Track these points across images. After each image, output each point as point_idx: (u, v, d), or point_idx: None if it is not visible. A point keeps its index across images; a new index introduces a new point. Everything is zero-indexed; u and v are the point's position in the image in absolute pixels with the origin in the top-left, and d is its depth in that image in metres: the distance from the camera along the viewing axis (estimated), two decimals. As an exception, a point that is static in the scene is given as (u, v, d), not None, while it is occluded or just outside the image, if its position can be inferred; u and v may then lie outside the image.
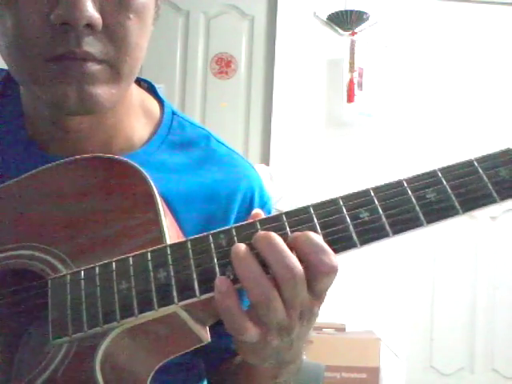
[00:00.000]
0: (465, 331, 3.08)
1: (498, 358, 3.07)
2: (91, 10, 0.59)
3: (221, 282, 0.50)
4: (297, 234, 0.52)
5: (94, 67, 0.61)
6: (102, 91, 0.62)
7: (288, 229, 0.52)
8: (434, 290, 3.11)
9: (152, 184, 0.59)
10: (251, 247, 0.51)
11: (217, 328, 0.58)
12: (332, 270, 0.50)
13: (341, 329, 2.76)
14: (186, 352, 0.57)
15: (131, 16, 0.62)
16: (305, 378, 1.38)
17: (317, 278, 0.51)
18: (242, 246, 0.51)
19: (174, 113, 0.79)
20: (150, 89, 0.81)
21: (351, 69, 2.94)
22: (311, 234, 0.51)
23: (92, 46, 0.61)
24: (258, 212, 0.56)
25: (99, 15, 0.60)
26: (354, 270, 2.90)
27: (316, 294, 0.53)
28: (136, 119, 0.75)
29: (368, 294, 2.93)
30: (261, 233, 0.52)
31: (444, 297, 3.10)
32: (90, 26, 0.59)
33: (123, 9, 0.62)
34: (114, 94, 0.64)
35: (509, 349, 3.05)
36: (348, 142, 3.01)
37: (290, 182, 2.84)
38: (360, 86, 2.96)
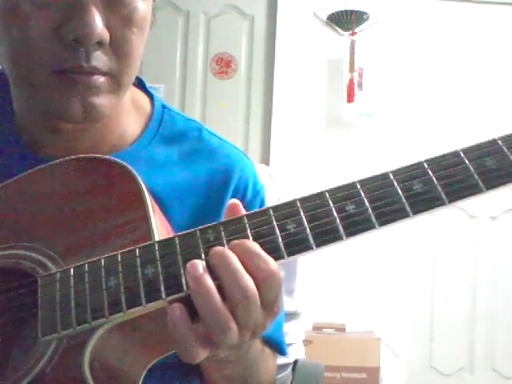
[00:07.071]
0: (465, 331, 3.08)
1: (498, 358, 3.06)
2: (102, 28, 0.61)
3: (173, 309, 0.49)
4: (234, 242, 0.51)
5: (98, 80, 0.63)
6: (104, 101, 0.65)
7: (275, 223, 0.52)
8: (434, 289, 3.10)
9: (140, 181, 0.59)
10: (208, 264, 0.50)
11: None
12: (270, 275, 0.50)
13: (341, 329, 2.77)
14: None
15: (134, 30, 0.65)
16: (305, 378, 1.37)
17: (258, 285, 0.50)
18: (199, 267, 0.50)
19: (164, 106, 0.80)
20: (140, 84, 0.81)
21: (351, 69, 2.94)
22: (247, 241, 0.51)
23: (98, 60, 0.62)
24: (236, 202, 0.55)
25: (107, 32, 0.62)
26: (353, 270, 2.89)
27: (265, 306, 0.51)
28: (128, 115, 0.75)
29: (368, 293, 2.92)
30: (217, 250, 0.51)
31: (444, 297, 3.09)
32: (99, 42, 0.61)
33: (128, 24, 0.64)
34: (114, 103, 0.67)
35: (509, 349, 3.05)
36: (348, 142, 3.01)
37: (289, 182, 2.84)
38: (360, 86, 2.96)
